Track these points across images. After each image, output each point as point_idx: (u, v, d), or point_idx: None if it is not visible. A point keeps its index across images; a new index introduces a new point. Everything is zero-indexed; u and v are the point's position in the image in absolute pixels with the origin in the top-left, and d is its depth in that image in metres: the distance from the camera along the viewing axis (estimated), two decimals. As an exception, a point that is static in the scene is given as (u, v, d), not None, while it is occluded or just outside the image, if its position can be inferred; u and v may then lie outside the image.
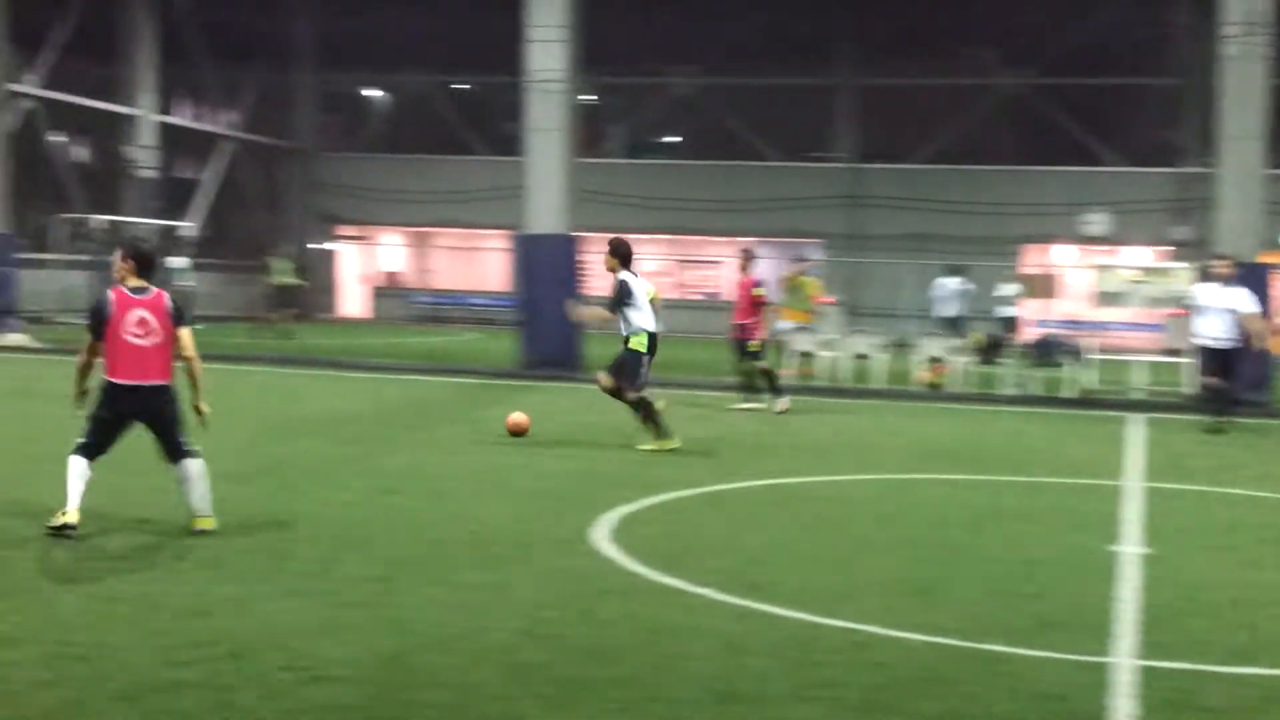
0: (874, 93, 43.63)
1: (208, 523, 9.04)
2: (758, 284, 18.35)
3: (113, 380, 8.97)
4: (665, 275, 45.71)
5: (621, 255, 14.07)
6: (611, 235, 14.57)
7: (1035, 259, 41.76)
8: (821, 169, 44.38)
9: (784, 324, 22.59)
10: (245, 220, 48.73)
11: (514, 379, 22.69)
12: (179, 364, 9.19)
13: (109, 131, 42.92)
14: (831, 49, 43.74)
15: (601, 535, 9.33)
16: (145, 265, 9.33)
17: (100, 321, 9.02)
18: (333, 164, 49.39)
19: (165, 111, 44.20)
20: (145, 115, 42.17)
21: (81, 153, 44.10)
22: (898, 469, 13.35)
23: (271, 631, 6.70)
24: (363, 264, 50.99)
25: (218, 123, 47.82)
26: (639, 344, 13.89)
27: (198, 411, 9.42)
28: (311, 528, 9.33)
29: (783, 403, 18.25)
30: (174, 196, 44.51)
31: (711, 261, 46.82)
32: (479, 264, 48.65)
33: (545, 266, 23.62)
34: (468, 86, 50.42)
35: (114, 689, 5.78)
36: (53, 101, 39.47)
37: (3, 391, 17.65)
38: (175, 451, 9.23)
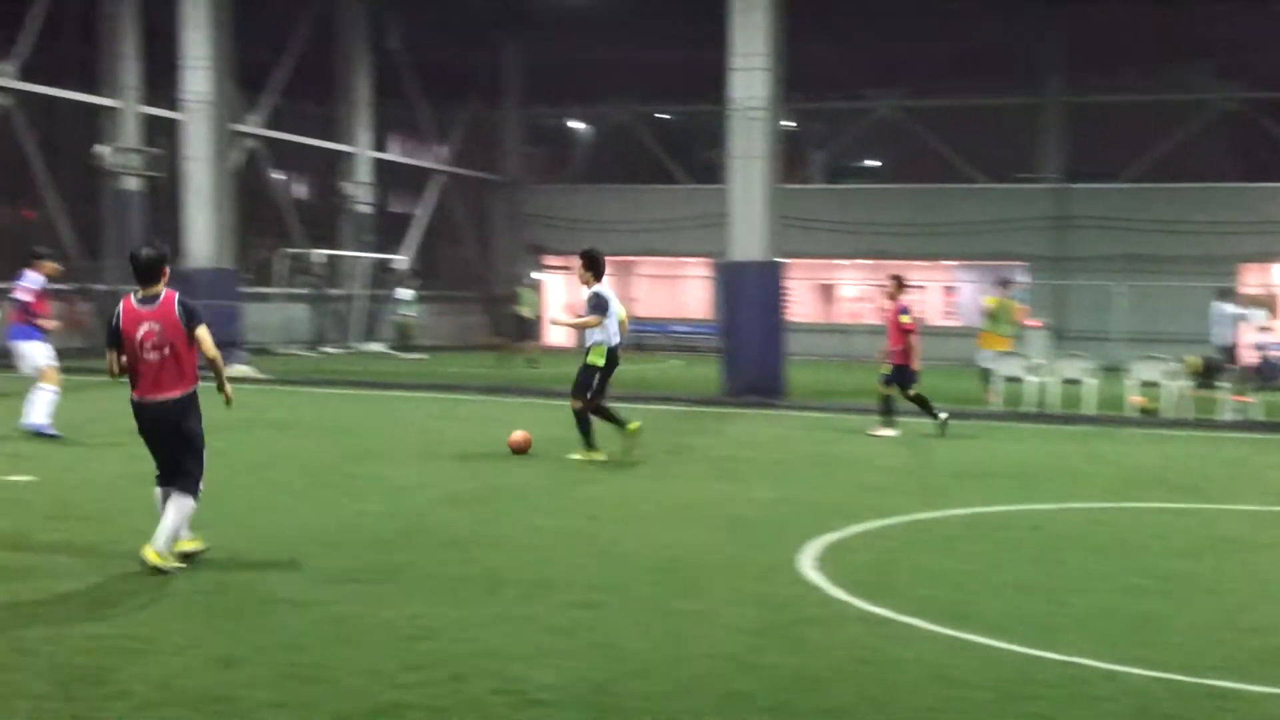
0: (1082, 111, 42.63)
1: (154, 555, 8.49)
2: (903, 310, 18.13)
3: (133, 397, 8.81)
4: (866, 301, 45.34)
5: (595, 268, 14.53)
6: (583, 249, 14.93)
7: (1256, 278, 40.20)
8: (1027, 190, 43.52)
9: (988, 351, 22.21)
10: (455, 252, 50.06)
11: (717, 406, 22.79)
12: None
13: (327, 168, 44.59)
14: (1038, 67, 42.90)
15: (807, 563, 9.33)
16: (144, 273, 8.81)
17: (112, 332, 8.82)
18: (538, 195, 50.35)
19: (380, 148, 45.70)
20: (361, 152, 43.67)
21: (301, 189, 45.87)
22: (1110, 497, 13.02)
23: (486, 655, 6.88)
24: (567, 293, 51.79)
25: (429, 158, 49.19)
26: (597, 357, 14.44)
27: (222, 392, 9.34)
28: (523, 553, 9.54)
29: (888, 431, 18.11)
30: (388, 230, 45.97)
31: (915, 286, 46.32)
32: (681, 291, 49.01)
33: (748, 293, 23.70)
34: (669, 116, 50.95)
35: (339, 710, 6.01)
36: (274, 140, 41.18)
37: (232, 421, 18.42)
38: (175, 475, 8.83)
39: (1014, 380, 22.23)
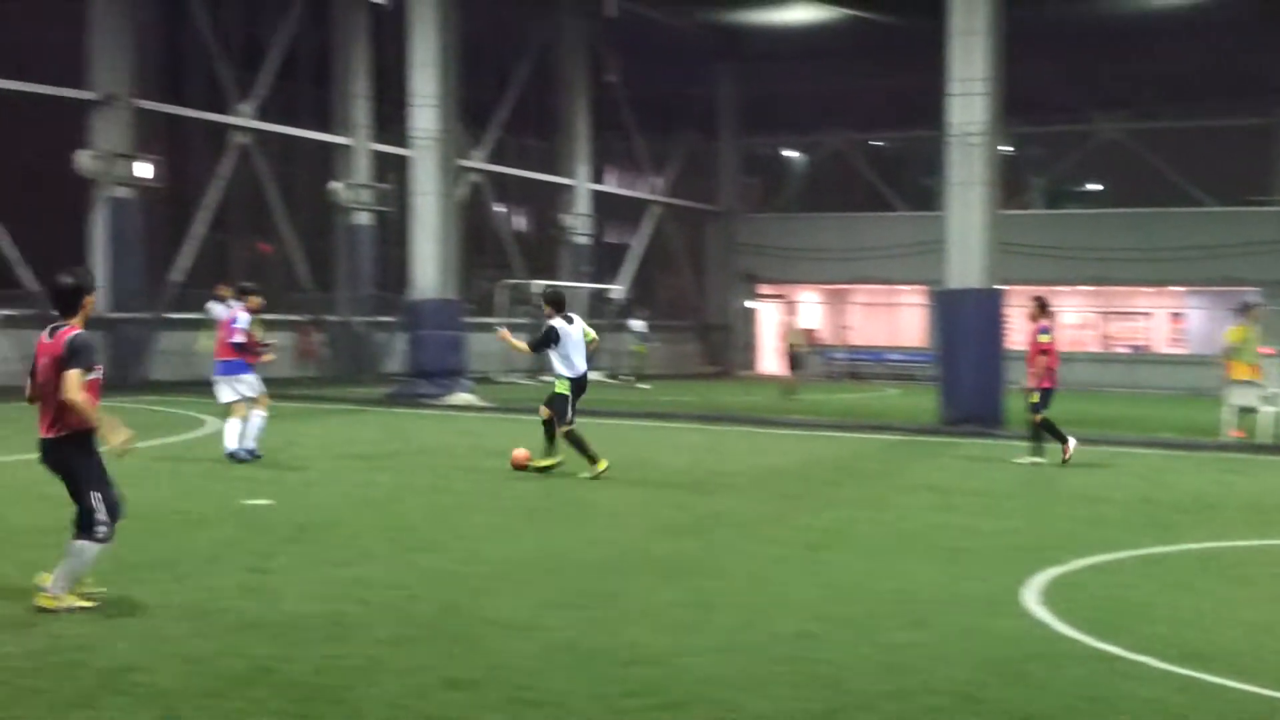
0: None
1: (44, 598, 8.10)
2: (1042, 331, 17.53)
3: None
4: (1088, 328, 44.18)
5: (555, 304, 15.67)
6: (549, 285, 16.07)
7: None
8: (1259, 213, 41.83)
9: (1235, 381, 21.07)
10: (670, 281, 50.50)
11: (934, 435, 22.46)
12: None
13: (546, 201, 45.51)
14: (1269, 85, 41.26)
15: (1031, 597, 9.13)
16: (61, 303, 8.27)
17: (33, 366, 8.27)
18: (753, 224, 50.47)
19: (597, 180, 46.44)
20: (579, 184, 44.45)
21: (521, 221, 46.89)
22: (1357, 534, 12.39)
23: (704, 683, 6.92)
24: (781, 321, 51.78)
25: (645, 188, 49.77)
26: (562, 387, 15.50)
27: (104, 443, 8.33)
28: (740, 581, 9.56)
29: (1034, 460, 17.51)
30: (605, 260, 46.64)
31: (1140, 313, 44.98)
32: (896, 319, 48.48)
33: (966, 321, 23.33)
34: (885, 143, 50.55)
35: (563, 731, 6.12)
36: (496, 174, 42.22)
37: (456, 449, 18.93)
38: (77, 518, 8.24)
39: (1248, 411, 21.33)
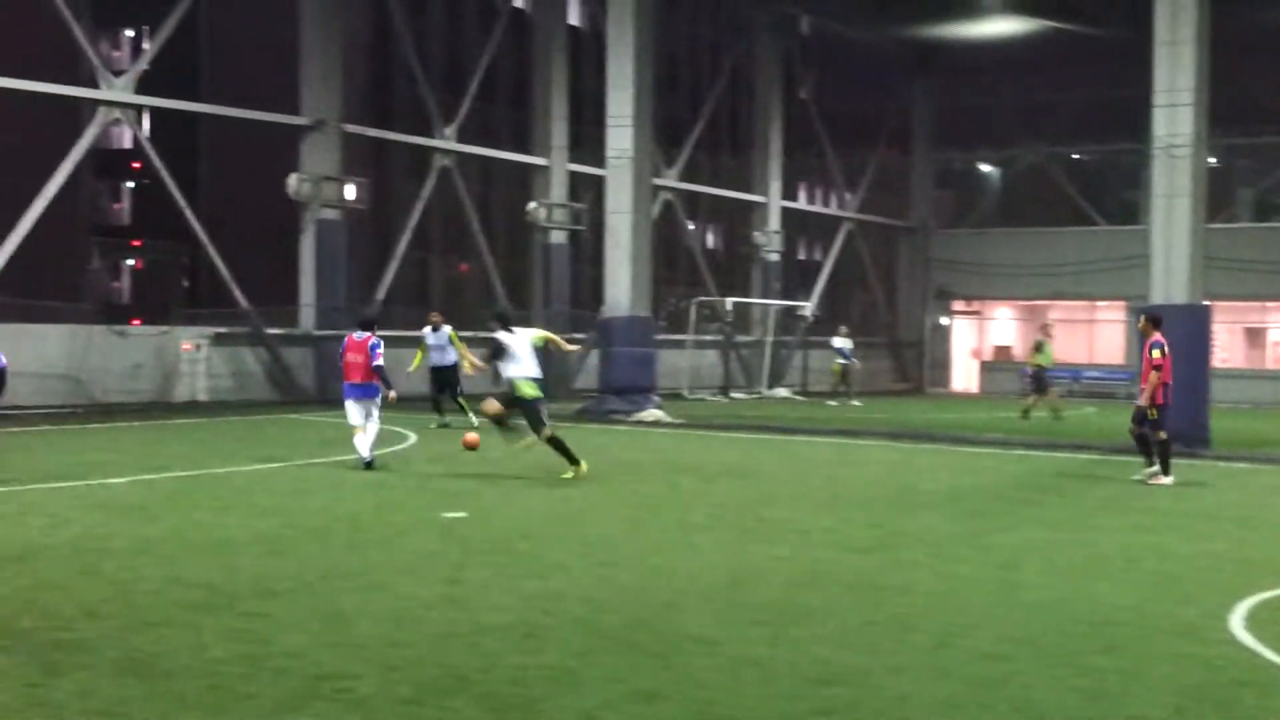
0: None
1: None
2: (1154, 346, 17.04)
3: None
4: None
5: (500, 320, 17.02)
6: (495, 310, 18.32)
7: None
8: None
9: None
10: (861, 297, 50.14)
11: (1133, 455, 21.79)
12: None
13: (737, 218, 45.62)
14: None
15: (1237, 622, 8.83)
16: None
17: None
18: (946, 240, 49.79)
19: (789, 197, 46.37)
20: (771, 201, 44.43)
21: (712, 238, 47.06)
22: None
23: (895, 703, 6.87)
24: (974, 338, 50.98)
25: (837, 205, 49.53)
26: (523, 391, 16.38)
27: None
28: (932, 600, 9.46)
29: (1153, 472, 17.04)
30: (796, 277, 46.54)
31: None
32: (1094, 336, 47.27)
33: (1170, 338, 22.61)
34: (1084, 156, 49.40)
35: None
36: (688, 192, 42.48)
37: (646, 464, 19.09)
38: None
39: None
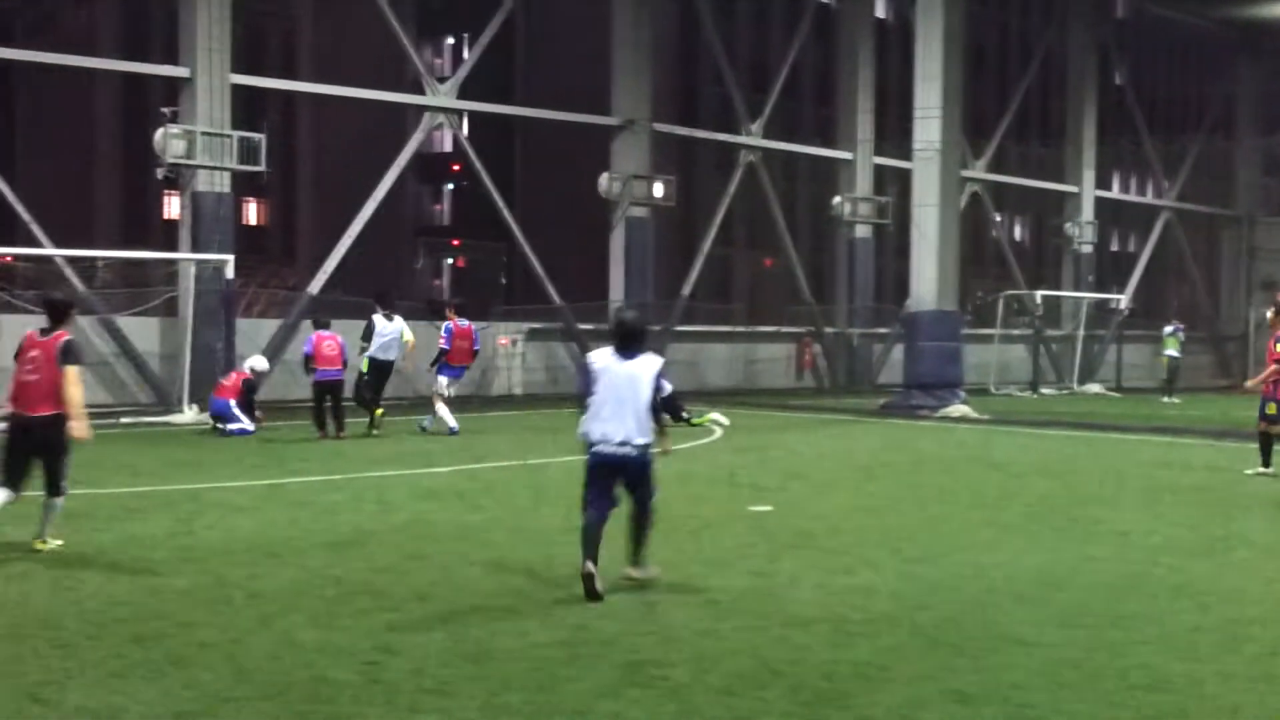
0: None
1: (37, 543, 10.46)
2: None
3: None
4: None
5: (384, 303, 20.32)
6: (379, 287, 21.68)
7: None
8: None
9: None
10: (1181, 290, 48.04)
11: None
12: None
13: (1047, 209, 44.35)
14: None
15: None
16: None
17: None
18: (1273, 229, 47.23)
19: (1103, 186, 44.82)
20: (1083, 191, 43.04)
21: (1019, 230, 45.88)
22: None
23: (1224, 713, 6.62)
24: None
25: (1153, 194, 47.61)
26: (364, 367, 20.28)
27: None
28: (1265, 608, 9.03)
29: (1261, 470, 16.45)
30: (1109, 269, 44.94)
31: None
32: None
33: None
34: None
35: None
36: (995, 183, 41.57)
37: (954, 460, 18.81)
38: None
39: None
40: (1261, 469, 16.72)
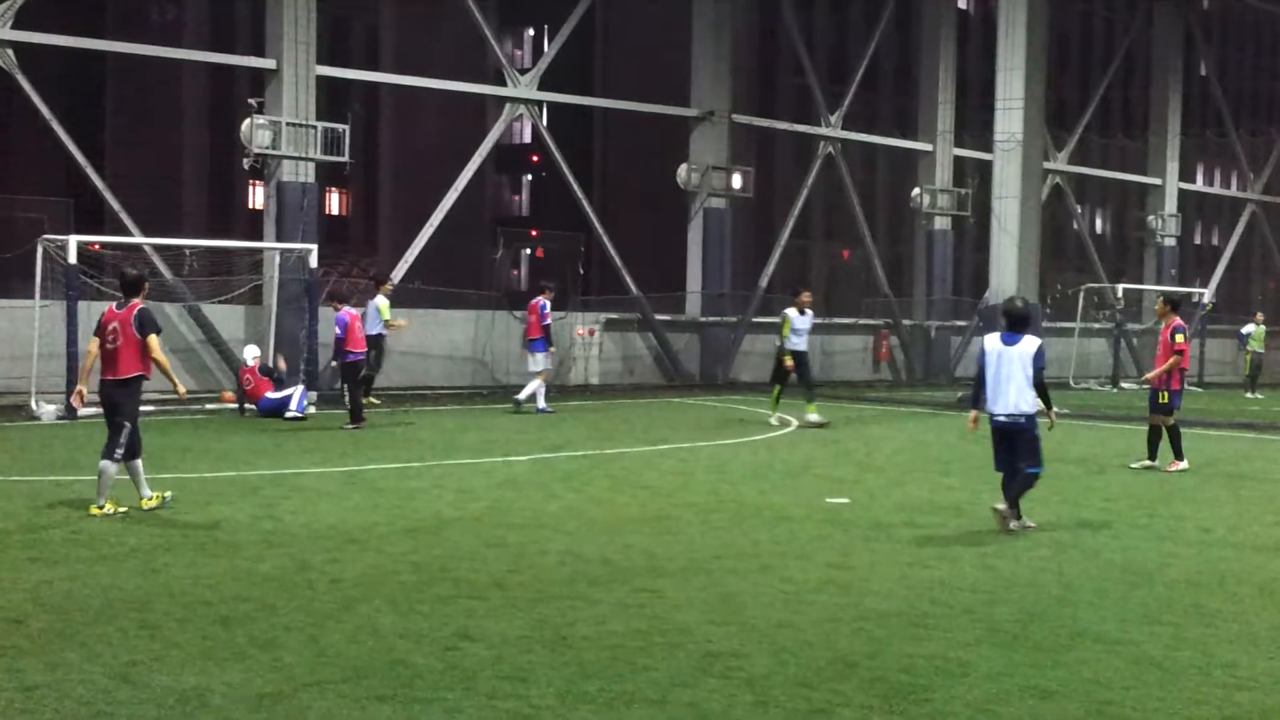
0: None
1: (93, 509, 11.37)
2: (1176, 330, 16.21)
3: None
4: None
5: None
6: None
7: None
8: None
9: None
10: (1263, 284, 47.28)
11: None
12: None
13: (1129, 201, 43.79)
14: None
15: None
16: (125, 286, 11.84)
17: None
18: (1366, 222, 46.31)
19: (1186, 178, 44.18)
20: (1167, 183, 42.43)
21: (1100, 222, 45.33)
22: None
23: (1311, 714, 6.55)
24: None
25: (1238, 186, 46.84)
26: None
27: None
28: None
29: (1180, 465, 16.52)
30: (1192, 262, 44.32)
31: None
32: None
33: None
34: None
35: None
36: (1076, 175, 41.09)
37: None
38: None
39: None
40: (1148, 462, 16.82)
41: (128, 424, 11.48)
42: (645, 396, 27.95)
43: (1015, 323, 11.51)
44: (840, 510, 12.70)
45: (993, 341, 11.54)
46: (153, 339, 11.57)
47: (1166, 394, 16.71)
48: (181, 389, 11.80)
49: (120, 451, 11.45)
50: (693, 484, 14.30)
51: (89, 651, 7.16)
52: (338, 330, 20.30)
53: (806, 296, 21.89)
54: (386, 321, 21.71)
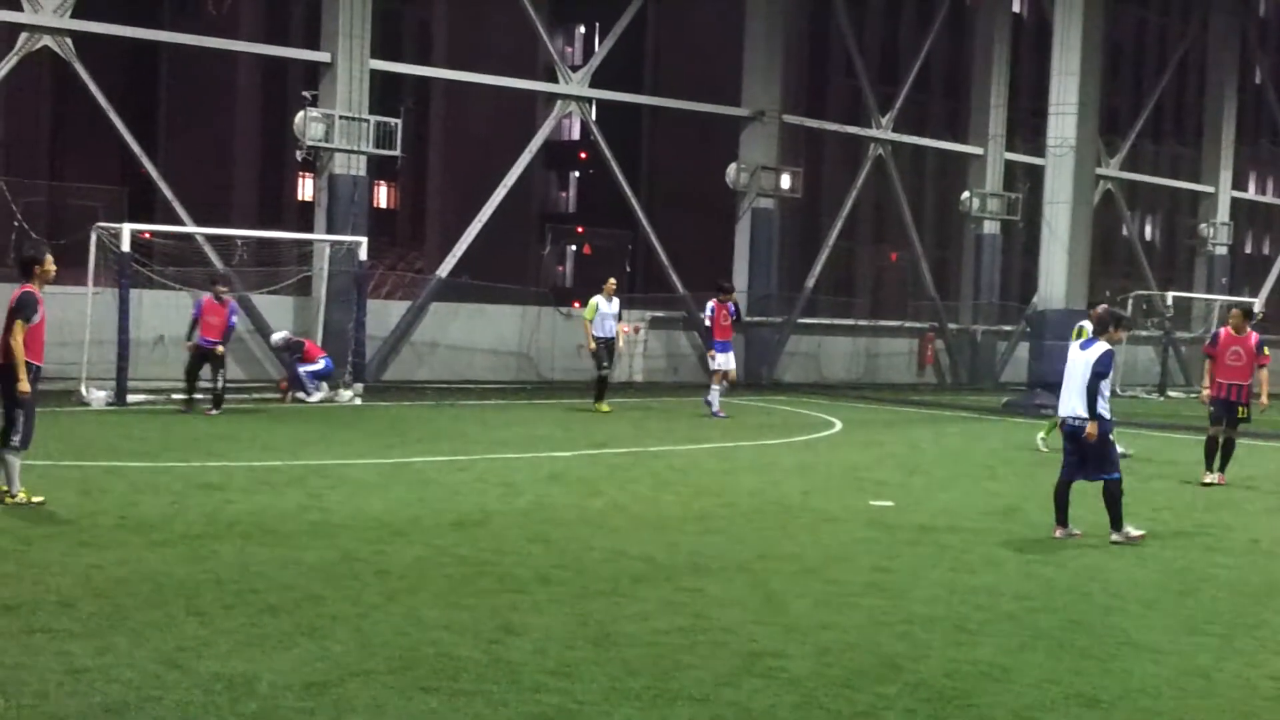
0: None
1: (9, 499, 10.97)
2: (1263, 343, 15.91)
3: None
4: None
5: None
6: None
7: None
8: None
9: None
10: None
11: None
12: None
13: (1181, 208, 43.44)
14: None
15: None
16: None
17: None
18: None
19: (1239, 187, 43.77)
20: (1220, 192, 42.06)
21: (1150, 230, 44.98)
22: None
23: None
24: None
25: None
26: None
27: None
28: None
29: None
30: (1242, 272, 43.93)
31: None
32: None
33: None
34: None
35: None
36: (1128, 181, 40.79)
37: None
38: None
39: None
40: (1220, 475, 16.39)
41: (20, 411, 10.97)
42: (689, 395, 27.94)
43: (1095, 328, 12.05)
44: (884, 513, 12.67)
45: (1075, 346, 12.00)
46: (17, 324, 10.81)
47: (1245, 408, 16.43)
48: (25, 387, 10.87)
49: (17, 439, 11.01)
50: (736, 484, 14.30)
51: (137, 636, 7.24)
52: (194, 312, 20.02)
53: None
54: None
